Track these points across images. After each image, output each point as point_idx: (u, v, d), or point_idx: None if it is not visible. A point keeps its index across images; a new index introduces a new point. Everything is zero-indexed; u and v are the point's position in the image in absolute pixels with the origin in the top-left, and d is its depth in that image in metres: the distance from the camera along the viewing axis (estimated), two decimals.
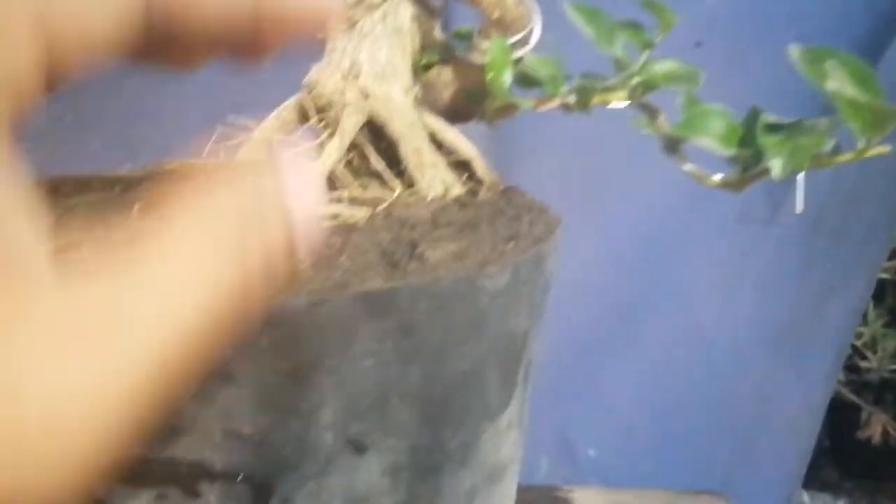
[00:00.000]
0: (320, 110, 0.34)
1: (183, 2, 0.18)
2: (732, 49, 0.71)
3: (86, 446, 0.14)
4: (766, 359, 0.86)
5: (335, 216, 0.28)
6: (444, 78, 0.37)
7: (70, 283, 0.15)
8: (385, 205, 0.30)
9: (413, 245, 0.27)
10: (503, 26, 0.34)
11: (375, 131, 0.34)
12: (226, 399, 0.25)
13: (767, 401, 0.87)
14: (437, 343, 0.27)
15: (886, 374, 1.37)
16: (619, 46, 0.34)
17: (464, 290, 0.27)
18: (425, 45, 0.36)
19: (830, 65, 0.29)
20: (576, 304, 0.79)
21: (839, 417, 1.51)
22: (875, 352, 1.37)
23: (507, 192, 0.34)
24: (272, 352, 0.24)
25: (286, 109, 0.36)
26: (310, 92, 0.35)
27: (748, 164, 0.30)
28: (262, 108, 0.36)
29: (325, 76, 0.34)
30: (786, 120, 0.30)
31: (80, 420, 0.14)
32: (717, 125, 0.30)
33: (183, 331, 0.15)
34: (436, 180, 0.33)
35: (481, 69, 0.35)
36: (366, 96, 0.34)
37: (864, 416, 1.40)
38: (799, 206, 0.29)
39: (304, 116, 0.36)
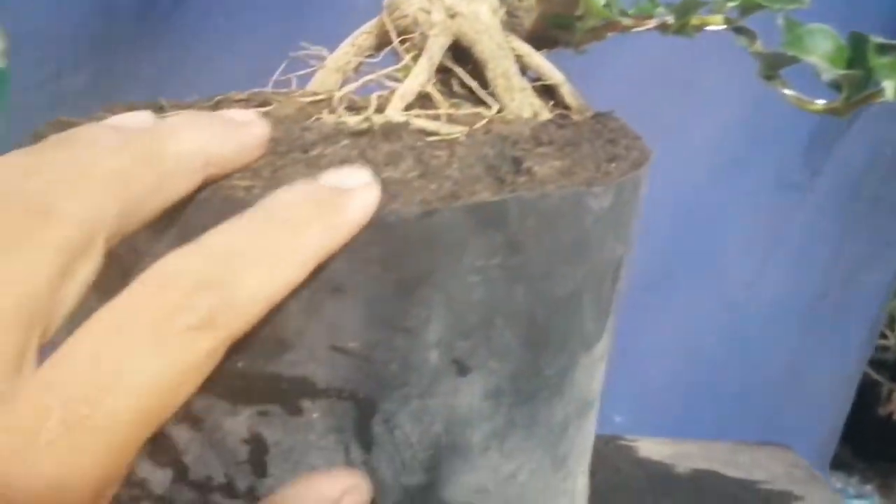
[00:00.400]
0: (402, 33, 0.33)
1: None
2: None
3: None
4: (799, 329, 0.85)
5: (434, 133, 0.27)
6: (527, 3, 0.35)
7: None
8: (484, 122, 0.28)
9: (518, 161, 0.26)
10: None
11: (460, 54, 0.33)
12: (334, 312, 0.24)
13: (799, 373, 0.86)
14: (542, 262, 0.26)
15: None
16: None
17: (570, 209, 0.26)
18: None
19: None
20: None
21: (858, 394, 1.51)
22: (894, 329, 1.36)
23: (600, 116, 0.32)
24: (382, 263, 0.23)
25: (362, 35, 0.35)
26: (391, 14, 0.33)
27: (855, 87, 0.29)
28: None
29: None
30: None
31: None
32: (824, 44, 0.29)
33: None
34: (525, 104, 0.32)
35: None
36: (452, 16, 0.32)
37: (883, 392, 1.40)
38: None
39: (381, 41, 0.35)
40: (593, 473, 0.34)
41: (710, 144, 0.78)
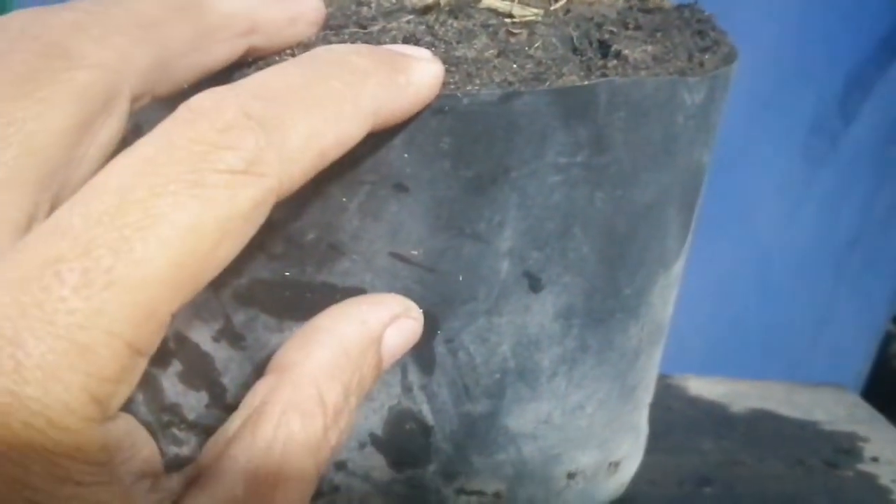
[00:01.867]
0: None
1: None
2: None
3: None
4: (830, 275, 0.82)
5: (507, 14, 0.24)
6: None
7: None
8: (562, 2, 0.25)
9: (606, 44, 0.23)
10: None
11: None
12: (394, 214, 0.20)
13: (826, 323, 0.84)
14: (628, 164, 0.22)
15: None
16: None
17: (664, 100, 0.23)
18: None
19: None
20: None
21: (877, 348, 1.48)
22: None
23: (685, 7, 0.29)
24: (453, 156, 0.20)
25: None
26: None
27: None
28: None
29: None
30: None
31: None
32: None
33: None
34: None
35: None
36: None
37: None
38: None
39: None
40: None
41: (741, 86, 0.75)
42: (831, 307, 0.84)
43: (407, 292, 0.21)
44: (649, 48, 0.23)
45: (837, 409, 0.40)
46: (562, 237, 0.22)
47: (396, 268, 0.21)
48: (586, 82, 0.21)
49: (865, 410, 0.41)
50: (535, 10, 0.24)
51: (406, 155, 0.20)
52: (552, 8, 0.24)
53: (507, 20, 0.23)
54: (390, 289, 0.21)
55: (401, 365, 0.22)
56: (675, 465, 0.33)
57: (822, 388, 0.44)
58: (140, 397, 0.24)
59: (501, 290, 0.22)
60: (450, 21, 0.22)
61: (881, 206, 0.79)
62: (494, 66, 0.20)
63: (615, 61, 0.22)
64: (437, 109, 0.20)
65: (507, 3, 0.24)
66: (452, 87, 0.20)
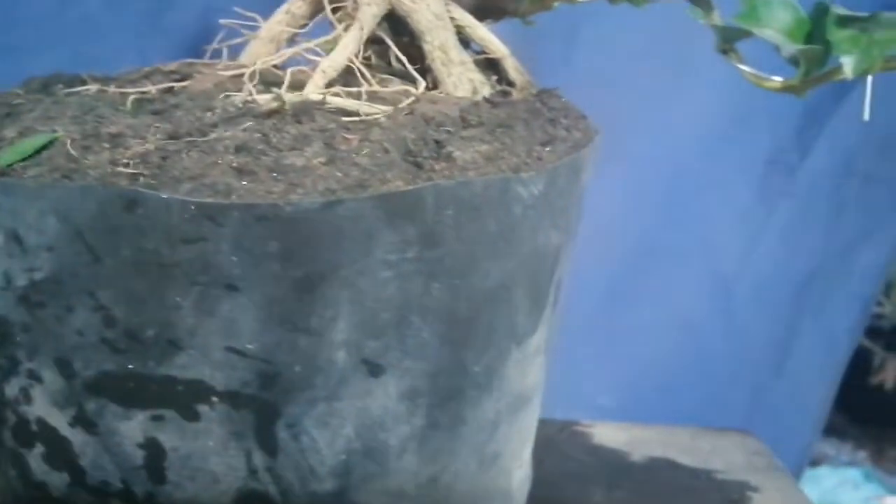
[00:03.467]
0: (335, 1, 0.31)
1: None
2: None
3: None
4: (790, 308, 0.83)
5: (354, 113, 0.25)
6: None
7: None
8: (409, 101, 0.26)
9: (440, 144, 0.24)
10: None
11: (397, 26, 0.31)
12: (228, 311, 0.22)
13: (789, 351, 0.84)
14: (464, 255, 0.24)
15: None
16: None
17: (496, 196, 0.24)
18: None
19: None
20: (595, 247, 0.76)
21: (851, 362, 1.49)
22: (889, 297, 1.34)
23: (543, 94, 0.30)
24: (281, 258, 0.22)
25: (296, 2, 0.33)
26: None
27: (813, 63, 0.27)
28: None
29: None
30: (860, 13, 0.27)
31: None
32: (783, 17, 0.27)
33: None
34: (463, 79, 0.30)
35: None
36: None
37: (876, 361, 1.39)
38: (866, 113, 0.26)
39: (315, 9, 0.33)
40: (541, 461, 0.33)
41: (701, 120, 0.76)
42: (793, 337, 0.85)
43: (245, 383, 0.23)
44: (483, 147, 0.24)
45: (736, 457, 0.42)
46: (399, 325, 0.24)
47: (233, 361, 0.22)
48: (409, 187, 0.22)
49: (764, 459, 0.42)
50: (383, 109, 0.26)
51: (234, 258, 0.21)
52: (399, 107, 0.26)
53: (351, 119, 0.25)
54: (228, 380, 0.23)
55: (244, 449, 0.23)
56: None
57: (727, 433, 0.45)
58: (12, 473, 0.25)
59: (340, 378, 0.23)
60: (289, 126, 0.24)
61: (840, 237, 0.80)
62: (320, 175, 0.22)
63: (444, 164, 0.23)
64: (260, 216, 0.21)
65: (356, 102, 0.26)
66: (276, 195, 0.21)
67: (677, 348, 0.82)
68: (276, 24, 0.33)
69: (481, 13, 0.34)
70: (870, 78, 0.27)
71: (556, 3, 0.30)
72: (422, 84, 0.28)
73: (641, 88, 0.70)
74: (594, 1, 0.30)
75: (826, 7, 0.27)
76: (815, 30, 0.27)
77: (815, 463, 1.41)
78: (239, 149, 0.23)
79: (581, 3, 0.29)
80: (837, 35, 0.26)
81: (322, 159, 0.22)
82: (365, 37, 0.29)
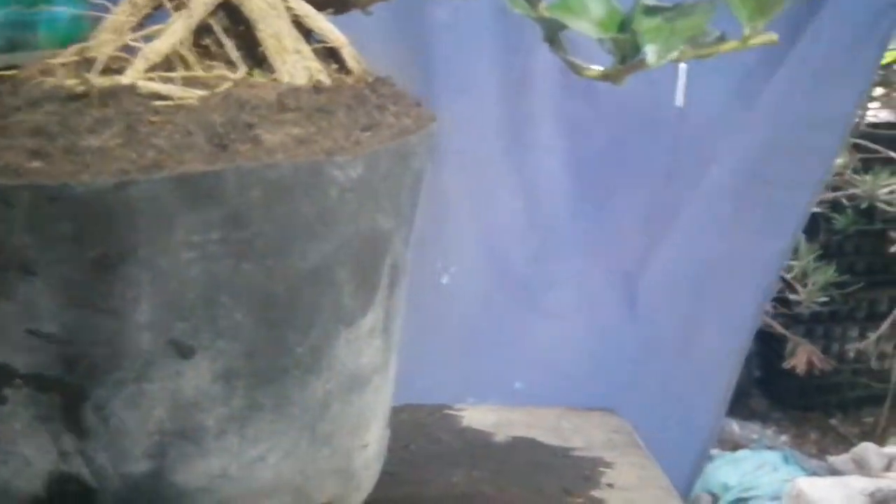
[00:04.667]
0: None
1: None
2: None
3: None
4: (692, 299, 0.86)
5: (167, 97, 0.25)
6: None
7: None
8: (226, 85, 0.27)
9: (249, 127, 0.25)
10: None
11: (232, 14, 0.31)
12: (25, 293, 0.22)
13: (691, 339, 0.87)
14: (275, 237, 0.24)
15: (816, 307, 1.40)
16: None
17: (307, 179, 0.25)
18: None
19: None
20: (502, 242, 0.78)
21: (768, 349, 1.54)
22: (805, 285, 1.39)
23: (376, 83, 0.31)
24: (75, 239, 0.22)
25: None
26: None
27: (625, 52, 0.28)
28: None
29: None
30: (665, 3, 0.28)
31: None
32: (597, 8, 0.28)
33: None
34: (298, 68, 0.30)
35: None
36: None
37: (789, 346, 1.43)
38: (679, 99, 0.27)
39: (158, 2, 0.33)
40: (407, 444, 0.34)
41: (610, 123, 0.78)
42: (696, 326, 0.87)
43: (48, 365, 0.23)
44: (296, 131, 0.25)
45: (597, 435, 0.43)
46: (208, 306, 0.24)
47: (34, 343, 0.22)
48: (207, 168, 0.23)
49: (624, 436, 0.43)
50: (199, 93, 0.26)
51: (27, 239, 0.21)
52: (215, 91, 0.26)
53: (161, 104, 0.25)
54: (32, 362, 0.23)
55: (52, 432, 0.24)
56: (417, 498, 0.35)
57: (592, 413, 0.46)
58: None
59: (147, 359, 0.24)
60: (93, 110, 0.24)
61: (740, 233, 0.83)
62: (115, 156, 0.22)
63: (250, 146, 0.24)
64: (51, 196, 0.21)
65: (170, 86, 0.26)
66: (68, 175, 0.21)
67: (587, 336, 0.84)
68: (120, 14, 0.33)
69: (323, 3, 0.34)
70: (683, 66, 0.28)
71: None
72: (242, 69, 0.28)
73: (553, 87, 0.72)
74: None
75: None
76: (626, 20, 0.28)
77: (735, 446, 1.46)
78: (35, 131, 0.23)
79: None
80: (644, 24, 0.27)
81: (119, 141, 0.23)
82: (195, 24, 0.29)
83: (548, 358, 0.84)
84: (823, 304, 1.38)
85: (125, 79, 0.26)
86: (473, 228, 0.79)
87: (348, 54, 0.32)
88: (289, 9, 0.32)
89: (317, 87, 0.28)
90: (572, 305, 0.84)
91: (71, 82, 0.25)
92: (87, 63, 0.29)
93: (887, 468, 1.34)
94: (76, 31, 0.31)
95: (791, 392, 1.61)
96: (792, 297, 1.36)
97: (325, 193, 0.25)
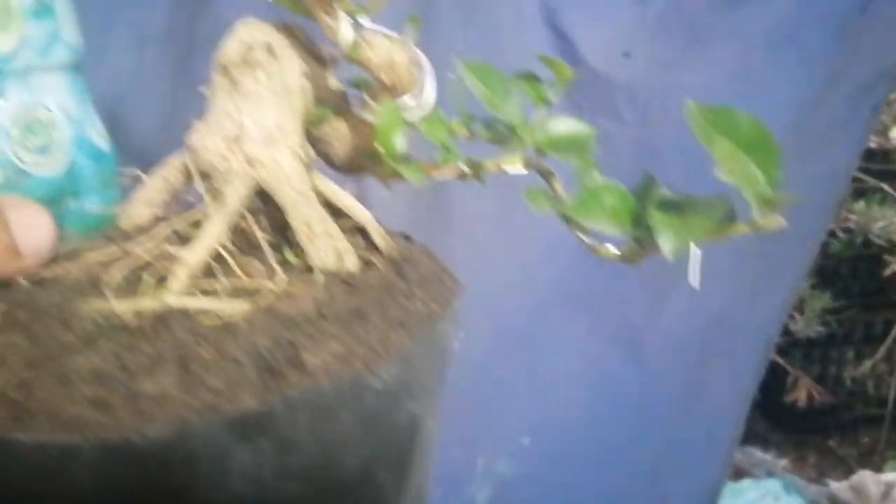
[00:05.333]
0: (203, 176, 0.32)
1: None
2: (662, 58, 0.70)
3: None
4: (697, 352, 0.88)
5: (212, 314, 0.27)
6: (340, 132, 0.35)
7: None
8: (267, 298, 0.28)
9: (293, 347, 0.26)
10: (394, 89, 0.32)
11: (264, 196, 0.33)
12: None
13: (697, 392, 0.89)
14: (319, 453, 0.26)
15: (813, 335, 1.42)
16: (515, 105, 0.32)
17: (347, 395, 0.26)
18: (320, 98, 0.34)
19: (720, 142, 0.28)
20: (509, 300, 0.79)
21: (768, 374, 1.56)
22: (802, 313, 1.41)
23: (403, 263, 0.32)
24: (134, 486, 0.23)
25: (170, 169, 0.34)
26: (192, 156, 0.33)
27: (642, 239, 0.30)
28: None
29: (207, 140, 0.32)
30: (678, 196, 0.30)
31: None
32: (610, 202, 0.30)
33: None
34: (328, 251, 0.31)
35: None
36: (251, 164, 0.32)
37: (790, 379, 1.45)
38: (693, 280, 0.29)
39: (189, 177, 0.34)
40: None
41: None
42: (701, 378, 0.89)
43: None
44: (335, 346, 0.26)
45: None
46: None
47: None
48: (260, 407, 0.24)
49: None
50: (242, 308, 0.27)
51: (87, 487, 0.23)
52: (258, 305, 0.28)
53: (208, 323, 0.26)
54: None
55: None
56: None
57: None
58: None
59: None
60: (145, 344, 0.25)
61: (743, 287, 0.84)
62: (172, 403, 0.24)
63: (295, 371, 0.25)
64: (114, 449, 0.23)
65: (216, 302, 0.27)
66: (129, 427, 0.23)
67: (592, 392, 0.86)
68: (151, 189, 0.35)
69: (348, 171, 0.36)
70: (695, 249, 0.30)
71: (411, 180, 0.32)
72: (282, 280, 0.29)
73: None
74: (449, 180, 0.32)
75: (650, 187, 0.30)
76: (639, 211, 0.30)
77: (737, 471, 1.48)
78: (94, 377, 0.24)
79: (433, 179, 0.31)
80: (657, 219, 0.29)
81: (174, 382, 0.24)
82: (229, 220, 0.31)
83: (555, 413, 0.85)
84: (820, 328, 1.40)
85: (172, 298, 0.27)
86: (479, 289, 0.81)
87: (375, 231, 0.34)
88: (317, 191, 0.33)
89: (349, 285, 0.30)
90: (578, 360, 0.85)
91: (123, 308, 0.27)
92: (128, 263, 0.30)
93: (885, 496, 1.36)
94: (104, 221, 0.32)
95: (790, 415, 1.62)
96: (790, 324, 1.38)
97: (363, 402, 0.27)
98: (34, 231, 0.29)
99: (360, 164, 0.35)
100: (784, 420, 1.64)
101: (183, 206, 0.35)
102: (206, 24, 0.58)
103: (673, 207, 0.29)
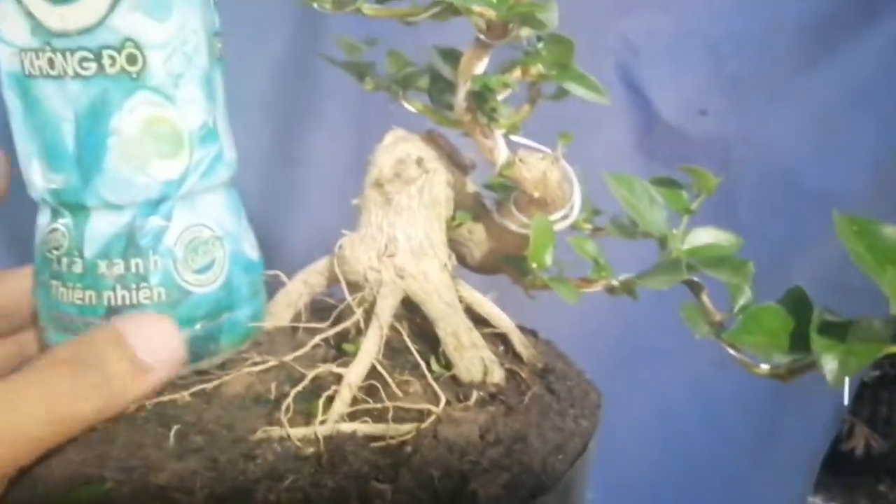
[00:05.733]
0: (352, 286, 0.33)
1: None
2: (738, 115, 0.70)
3: None
4: (769, 406, 0.87)
5: (381, 437, 0.27)
6: (477, 235, 0.35)
7: None
8: (431, 421, 0.28)
9: (464, 479, 0.26)
10: (544, 204, 0.32)
11: (411, 306, 0.33)
12: None
13: (769, 446, 0.88)
14: None
15: (866, 379, 1.39)
16: (660, 215, 0.33)
17: None
18: (460, 203, 0.35)
19: (890, 275, 0.28)
20: (580, 349, 0.79)
21: None
22: None
23: (548, 374, 0.33)
24: None
25: (313, 274, 0.35)
26: (341, 266, 0.33)
27: (801, 360, 0.30)
28: None
29: (359, 251, 0.33)
30: (838, 319, 0.29)
31: None
32: (771, 324, 0.29)
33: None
34: (475, 361, 0.32)
35: (518, 235, 0.33)
36: (402, 276, 0.32)
37: (846, 426, 1.43)
38: (846, 399, 0.29)
39: (331, 281, 0.35)
40: None
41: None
42: (772, 432, 0.88)
43: None
44: (504, 475, 0.27)
45: None
46: None
47: None
48: None
49: None
50: (407, 431, 0.28)
51: None
52: (423, 427, 0.28)
53: (375, 445, 0.27)
54: None
55: None
56: None
57: None
58: None
59: None
60: (326, 479, 0.26)
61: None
62: None
63: None
64: None
65: (382, 425, 0.28)
66: None
67: (661, 444, 0.85)
68: (293, 290, 0.35)
69: (482, 270, 0.36)
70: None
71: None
72: (442, 400, 0.29)
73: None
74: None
75: (804, 304, 0.30)
76: (798, 332, 0.30)
77: None
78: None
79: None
80: (820, 344, 0.29)
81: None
82: (384, 333, 0.31)
83: (620, 467, 0.85)
84: (873, 371, 1.38)
85: (343, 424, 0.28)
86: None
87: (517, 339, 0.34)
88: (461, 299, 0.33)
89: (507, 407, 0.30)
90: (648, 412, 0.84)
91: (299, 434, 0.27)
92: (285, 375, 0.31)
93: None
94: (252, 332, 0.33)
95: (841, 459, 1.59)
96: None
97: None
98: (160, 344, 0.29)
99: (496, 266, 0.36)
100: (833, 461, 1.61)
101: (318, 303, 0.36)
102: (305, 95, 0.59)
103: (835, 331, 0.29)
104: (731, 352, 0.31)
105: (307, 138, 0.61)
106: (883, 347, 0.28)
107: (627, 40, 0.72)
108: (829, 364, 0.28)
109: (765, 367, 0.31)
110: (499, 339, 0.34)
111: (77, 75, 0.27)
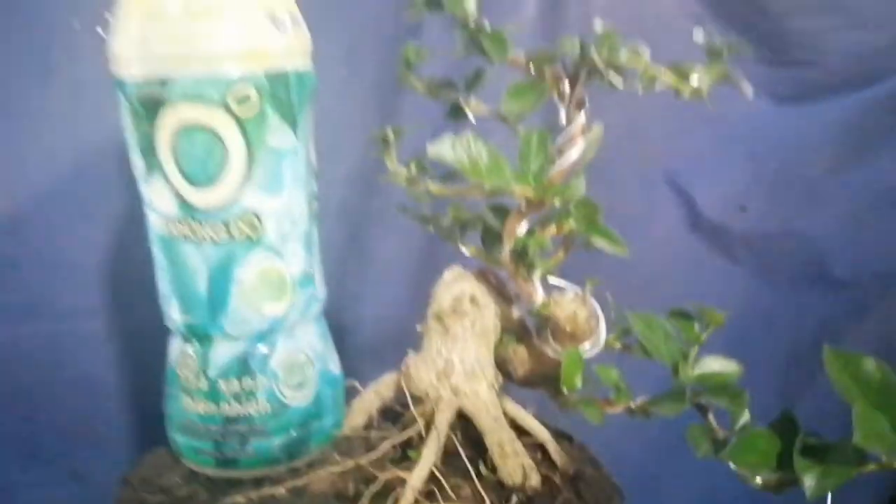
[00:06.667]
0: (415, 399, 0.40)
1: None
2: (777, 211, 0.75)
3: None
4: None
5: None
6: (520, 356, 0.42)
7: None
8: None
9: None
10: (574, 336, 0.39)
11: (464, 418, 0.40)
12: None
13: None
14: None
15: None
16: (674, 347, 0.39)
17: None
18: (505, 328, 0.42)
19: (859, 404, 0.34)
20: (630, 433, 0.83)
21: None
22: None
23: (578, 481, 0.39)
24: None
25: (384, 385, 0.42)
26: (407, 381, 0.40)
27: (787, 477, 0.35)
28: None
29: (422, 371, 0.40)
30: (818, 442, 0.35)
31: None
32: (762, 447, 0.35)
33: None
34: (517, 468, 0.38)
35: (553, 360, 0.40)
36: (456, 394, 0.39)
37: None
38: None
39: (398, 394, 0.42)
40: None
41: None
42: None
43: None
44: None
45: None
46: None
47: None
48: None
49: None
50: None
51: None
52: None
53: None
54: None
55: None
56: None
57: None
58: None
59: None
60: None
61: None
62: None
63: None
64: None
65: None
66: None
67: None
68: (367, 398, 0.43)
69: (524, 384, 0.43)
70: None
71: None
72: (487, 503, 0.36)
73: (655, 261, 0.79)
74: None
75: (792, 427, 0.36)
76: (785, 451, 0.36)
77: None
78: None
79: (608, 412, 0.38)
80: (801, 465, 0.34)
81: None
82: (442, 443, 0.38)
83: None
84: None
85: None
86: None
87: (553, 449, 0.41)
88: (506, 413, 0.40)
89: None
90: (696, 498, 0.87)
91: None
92: (360, 475, 0.38)
93: None
94: (335, 436, 0.40)
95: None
96: None
97: None
98: None
99: (535, 382, 0.43)
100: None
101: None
102: (377, 199, 0.65)
103: (814, 453, 0.35)
104: (731, 465, 0.37)
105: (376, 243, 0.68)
106: (852, 467, 0.34)
107: (672, 147, 0.78)
108: (809, 482, 0.34)
109: (759, 479, 0.37)
110: (537, 448, 0.41)
111: (211, 240, 0.36)
